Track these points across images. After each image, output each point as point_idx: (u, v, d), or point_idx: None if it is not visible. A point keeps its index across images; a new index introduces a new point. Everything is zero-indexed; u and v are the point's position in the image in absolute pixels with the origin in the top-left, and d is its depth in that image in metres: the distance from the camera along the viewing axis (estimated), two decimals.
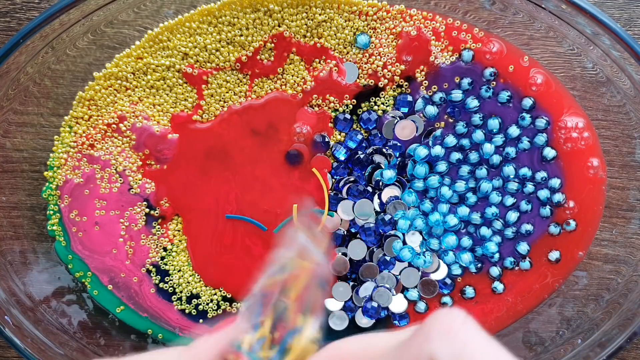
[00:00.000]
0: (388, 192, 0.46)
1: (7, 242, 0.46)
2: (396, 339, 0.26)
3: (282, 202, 0.46)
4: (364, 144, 0.46)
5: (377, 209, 0.46)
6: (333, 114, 0.45)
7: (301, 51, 0.45)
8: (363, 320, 0.47)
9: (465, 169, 0.46)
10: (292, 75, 0.45)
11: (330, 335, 0.47)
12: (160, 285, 0.47)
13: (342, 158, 0.46)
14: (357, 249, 0.47)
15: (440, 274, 0.47)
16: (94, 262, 0.46)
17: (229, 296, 0.47)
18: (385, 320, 0.47)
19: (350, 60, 0.45)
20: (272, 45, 0.44)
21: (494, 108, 0.45)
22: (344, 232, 0.47)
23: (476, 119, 0.45)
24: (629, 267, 0.46)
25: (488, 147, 0.45)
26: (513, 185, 0.45)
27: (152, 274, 0.47)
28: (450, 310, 0.25)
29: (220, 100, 0.45)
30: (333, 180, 0.46)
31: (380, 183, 0.46)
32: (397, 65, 0.45)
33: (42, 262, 0.47)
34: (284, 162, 0.46)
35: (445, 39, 0.44)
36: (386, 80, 0.45)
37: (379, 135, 0.46)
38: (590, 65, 0.44)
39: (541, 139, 0.45)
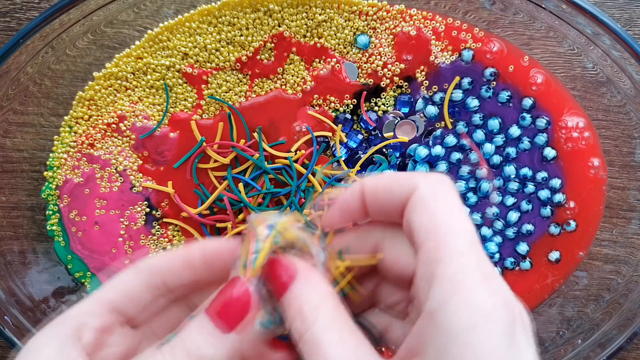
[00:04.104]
0: None
1: (6, 242, 0.46)
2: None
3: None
4: (364, 144, 0.46)
5: None
6: (334, 114, 0.45)
7: (301, 51, 0.45)
8: None
9: (465, 169, 0.46)
10: (292, 75, 0.45)
11: None
12: None
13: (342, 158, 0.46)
14: None
15: None
16: (93, 261, 0.46)
17: None
18: None
19: (350, 60, 0.45)
20: (272, 45, 0.44)
21: (494, 108, 0.45)
22: None
23: (476, 118, 0.45)
24: (629, 267, 0.46)
25: (488, 147, 0.45)
26: (514, 185, 0.45)
27: None
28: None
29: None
30: None
31: None
32: (397, 65, 0.45)
33: (42, 262, 0.47)
34: None
35: (446, 38, 0.44)
36: (387, 80, 0.45)
37: (379, 135, 0.46)
38: (591, 65, 0.44)
39: (541, 139, 0.45)
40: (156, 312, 0.28)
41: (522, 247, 0.46)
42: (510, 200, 0.45)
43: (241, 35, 0.44)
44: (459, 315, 0.21)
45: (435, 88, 0.45)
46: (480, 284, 0.22)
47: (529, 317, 0.23)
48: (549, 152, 0.45)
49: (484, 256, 0.23)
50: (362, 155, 0.45)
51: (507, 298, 0.23)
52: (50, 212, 0.46)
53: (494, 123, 0.45)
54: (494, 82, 0.45)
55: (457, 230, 0.23)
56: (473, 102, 0.45)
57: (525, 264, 0.46)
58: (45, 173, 0.46)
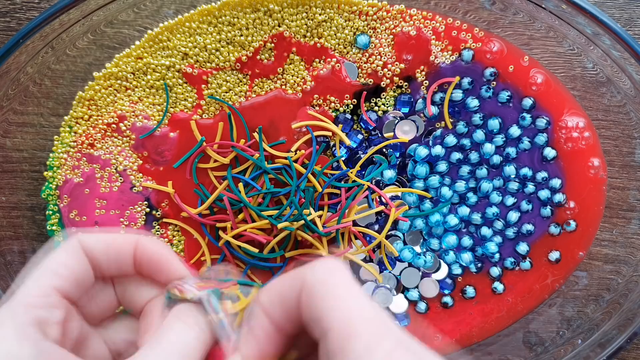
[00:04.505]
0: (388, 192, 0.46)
1: (6, 242, 0.46)
2: None
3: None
4: (364, 144, 0.46)
5: None
6: (334, 114, 0.45)
7: (301, 51, 0.45)
8: None
9: (465, 169, 0.46)
10: (292, 75, 0.45)
11: None
12: None
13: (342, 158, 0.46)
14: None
15: (441, 273, 0.47)
16: None
17: None
18: None
19: (350, 60, 0.45)
20: (272, 45, 0.44)
21: (494, 108, 0.45)
22: None
23: (476, 118, 0.45)
24: (629, 267, 0.46)
25: (488, 147, 0.45)
26: (514, 185, 0.45)
27: None
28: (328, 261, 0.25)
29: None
30: None
31: (381, 183, 0.46)
32: (397, 65, 0.45)
33: None
34: None
35: (445, 38, 0.44)
36: (388, 81, 0.45)
37: (379, 135, 0.46)
38: (591, 65, 0.44)
39: (541, 138, 0.45)
40: (94, 294, 0.28)
41: (522, 247, 0.46)
42: (510, 200, 0.45)
43: (241, 35, 0.44)
44: None
45: (435, 88, 0.45)
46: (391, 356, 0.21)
47: None
48: (549, 152, 0.45)
49: (392, 324, 0.22)
50: (362, 155, 0.45)
51: None
52: (50, 212, 0.46)
53: (494, 123, 0.45)
54: (494, 82, 0.45)
55: (356, 307, 0.22)
56: (473, 102, 0.45)
57: (525, 264, 0.46)
58: (45, 173, 0.46)
